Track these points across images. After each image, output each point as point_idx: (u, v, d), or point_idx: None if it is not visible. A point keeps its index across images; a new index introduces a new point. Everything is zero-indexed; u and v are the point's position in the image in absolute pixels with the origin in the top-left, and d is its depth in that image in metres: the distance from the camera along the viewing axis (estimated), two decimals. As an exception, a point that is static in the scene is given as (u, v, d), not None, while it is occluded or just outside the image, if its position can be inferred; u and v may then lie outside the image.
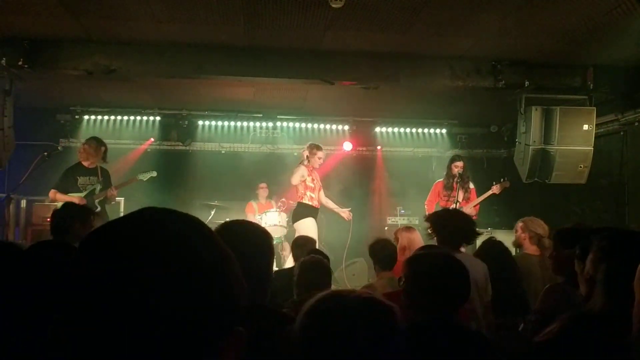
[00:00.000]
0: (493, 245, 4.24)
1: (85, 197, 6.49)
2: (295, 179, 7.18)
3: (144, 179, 7.23)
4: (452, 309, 2.26)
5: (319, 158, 7.28)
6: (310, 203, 7.22)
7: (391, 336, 1.36)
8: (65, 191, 6.50)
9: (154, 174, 7.33)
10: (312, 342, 1.35)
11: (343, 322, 1.34)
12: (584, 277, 2.12)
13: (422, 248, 3.15)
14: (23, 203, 8.04)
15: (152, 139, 9.45)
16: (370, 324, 1.34)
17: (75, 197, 6.44)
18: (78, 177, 6.59)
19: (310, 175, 7.27)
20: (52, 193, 6.52)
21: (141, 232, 0.74)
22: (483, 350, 2.16)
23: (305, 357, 1.36)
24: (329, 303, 1.39)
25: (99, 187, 6.59)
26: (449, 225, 3.75)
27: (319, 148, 7.36)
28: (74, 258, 0.74)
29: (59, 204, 6.54)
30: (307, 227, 7.03)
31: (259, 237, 1.96)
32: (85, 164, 6.64)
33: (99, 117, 9.26)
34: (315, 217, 7.24)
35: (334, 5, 4.71)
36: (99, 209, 6.49)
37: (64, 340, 0.70)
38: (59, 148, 7.45)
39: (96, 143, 6.70)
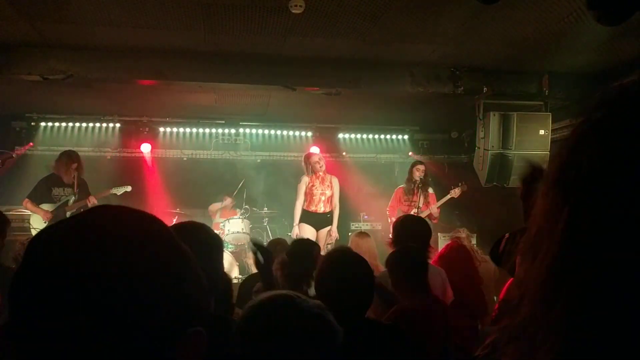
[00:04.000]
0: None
1: (56, 209, 6.35)
2: (298, 196, 7.32)
3: (118, 193, 7.13)
4: (357, 310, 2.25)
5: (316, 162, 7.28)
6: (307, 209, 7.31)
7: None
8: (38, 201, 6.38)
9: (129, 188, 7.25)
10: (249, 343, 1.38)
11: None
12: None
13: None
14: (-24, 212, 7.79)
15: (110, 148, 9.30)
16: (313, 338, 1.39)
17: (41, 211, 6.31)
18: (52, 188, 6.48)
19: (312, 182, 7.32)
20: (25, 202, 6.43)
21: (93, 229, 0.71)
22: (399, 344, 2.17)
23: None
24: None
25: (73, 198, 6.47)
26: (411, 234, 3.82)
27: (309, 155, 7.46)
28: (22, 259, 0.70)
29: (31, 215, 6.44)
30: (301, 231, 7.23)
31: (206, 239, 1.93)
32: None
33: (57, 124, 9.03)
34: (309, 224, 7.26)
35: (294, 11, 4.74)
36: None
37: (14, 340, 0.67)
38: (13, 156, 7.25)
39: (66, 159, 6.57)
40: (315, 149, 9.44)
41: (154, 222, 0.77)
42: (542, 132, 6.55)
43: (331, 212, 7.35)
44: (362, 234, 5.13)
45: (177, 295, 0.72)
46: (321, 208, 7.30)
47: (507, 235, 2.22)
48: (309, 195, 7.31)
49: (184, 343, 0.72)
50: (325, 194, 7.32)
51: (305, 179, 7.35)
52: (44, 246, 0.71)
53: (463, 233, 5.82)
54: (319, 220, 7.29)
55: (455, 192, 7.50)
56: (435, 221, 7.58)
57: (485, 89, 6.50)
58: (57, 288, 0.66)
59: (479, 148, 6.90)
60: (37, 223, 6.37)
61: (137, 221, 0.76)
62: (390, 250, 3.90)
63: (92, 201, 6.48)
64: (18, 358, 0.67)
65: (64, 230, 0.72)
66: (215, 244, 1.97)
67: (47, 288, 0.66)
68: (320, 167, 7.27)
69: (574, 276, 0.51)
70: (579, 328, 0.50)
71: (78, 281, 0.66)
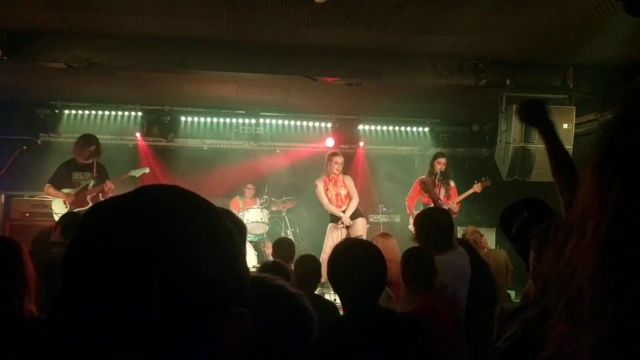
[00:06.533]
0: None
1: (77, 193, 6.44)
2: (322, 200, 7.42)
3: (137, 175, 7.18)
4: (369, 297, 2.29)
5: (336, 163, 7.35)
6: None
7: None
8: (59, 186, 6.46)
9: (147, 170, 7.30)
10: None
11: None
12: (531, 274, 2.04)
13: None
14: (1, 198, 7.95)
15: (139, 134, 9.36)
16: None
17: (62, 194, 6.40)
18: (72, 172, 6.57)
19: (325, 186, 7.42)
20: (46, 187, 6.52)
21: (145, 207, 0.72)
22: (412, 334, 2.19)
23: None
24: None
25: (92, 182, 6.55)
26: (434, 224, 3.81)
27: (333, 154, 7.49)
28: (76, 234, 0.71)
29: (53, 199, 6.54)
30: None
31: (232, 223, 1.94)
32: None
33: (80, 112, 9.15)
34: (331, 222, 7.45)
35: (317, 1, 4.72)
36: (90, 205, 6.43)
37: (66, 316, 0.69)
38: (38, 142, 7.35)
39: (83, 142, 6.62)
40: (330, 141, 9.44)
41: (202, 199, 0.78)
42: (565, 125, 6.46)
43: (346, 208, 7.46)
44: (386, 235, 5.02)
45: (227, 272, 0.73)
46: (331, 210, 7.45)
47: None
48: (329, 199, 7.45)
49: (228, 323, 0.73)
50: (340, 194, 7.44)
51: (320, 184, 7.44)
52: (101, 221, 0.71)
53: (469, 229, 5.92)
54: (336, 219, 7.41)
55: (477, 187, 7.43)
56: (455, 215, 7.53)
57: (508, 81, 6.42)
58: (115, 261, 0.66)
59: (500, 141, 6.83)
60: (59, 208, 6.45)
61: (187, 197, 0.76)
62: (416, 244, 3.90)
63: (109, 186, 6.53)
64: (68, 331, 0.68)
65: (121, 205, 0.73)
66: (239, 228, 1.98)
67: (104, 261, 0.67)
68: (337, 169, 7.38)
69: (630, 246, 0.50)
70: (634, 299, 0.49)
71: (135, 255, 0.66)
